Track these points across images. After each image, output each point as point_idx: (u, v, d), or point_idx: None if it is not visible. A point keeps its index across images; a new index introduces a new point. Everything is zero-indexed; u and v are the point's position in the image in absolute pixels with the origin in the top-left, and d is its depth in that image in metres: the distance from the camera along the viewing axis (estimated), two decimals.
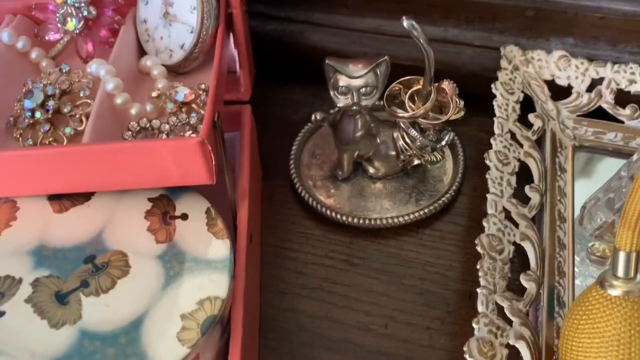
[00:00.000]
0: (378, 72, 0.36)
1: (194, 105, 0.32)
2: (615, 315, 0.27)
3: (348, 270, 0.38)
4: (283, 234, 0.40)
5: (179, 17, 0.34)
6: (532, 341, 0.31)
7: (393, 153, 0.40)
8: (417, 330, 0.35)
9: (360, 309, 0.37)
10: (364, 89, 0.36)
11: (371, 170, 0.42)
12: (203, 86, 0.33)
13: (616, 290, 0.27)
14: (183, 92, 0.32)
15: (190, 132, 0.31)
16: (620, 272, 0.27)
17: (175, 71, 0.35)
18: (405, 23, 0.34)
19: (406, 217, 0.40)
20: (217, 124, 0.29)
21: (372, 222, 0.40)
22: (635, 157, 0.34)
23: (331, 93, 0.37)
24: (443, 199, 0.41)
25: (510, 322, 0.31)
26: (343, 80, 0.36)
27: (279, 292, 0.37)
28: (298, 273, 0.38)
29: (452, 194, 0.41)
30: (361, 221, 0.40)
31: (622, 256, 0.27)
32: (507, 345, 0.31)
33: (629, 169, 0.34)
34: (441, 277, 0.38)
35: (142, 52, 0.36)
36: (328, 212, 0.40)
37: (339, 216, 0.40)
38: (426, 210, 0.40)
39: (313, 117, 0.40)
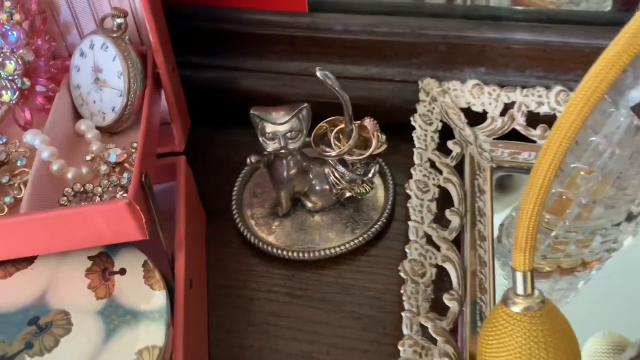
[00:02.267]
0: (300, 117, 0.39)
1: (126, 165, 0.34)
2: (517, 330, 0.29)
3: (291, 303, 0.41)
4: (229, 273, 0.42)
5: (108, 82, 0.36)
6: (456, 356, 0.34)
7: (326, 187, 0.43)
8: (357, 355, 0.38)
9: (303, 339, 0.39)
10: (289, 133, 0.39)
11: (309, 204, 0.45)
12: (135, 144, 0.36)
13: (517, 307, 0.30)
14: (115, 154, 0.34)
15: (122, 192, 0.33)
16: (520, 290, 0.30)
17: (109, 131, 0.38)
18: (319, 74, 0.36)
19: (343, 247, 0.42)
20: (145, 183, 0.31)
21: (312, 254, 0.42)
22: None
23: (260, 139, 0.40)
24: (376, 226, 0.43)
25: (435, 341, 0.34)
26: (269, 127, 0.39)
27: (227, 330, 0.40)
28: (244, 310, 0.41)
29: (385, 220, 0.44)
30: (301, 254, 0.42)
31: (519, 276, 0.30)
32: None
33: None
34: (377, 301, 0.40)
35: (78, 115, 0.39)
36: (270, 249, 0.43)
37: (280, 251, 0.42)
38: (361, 239, 0.43)
39: (248, 160, 0.42)
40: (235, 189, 0.46)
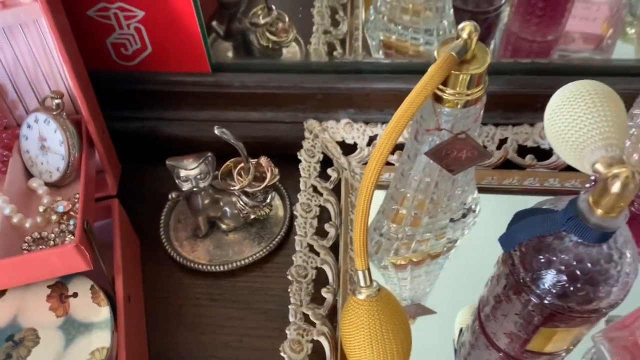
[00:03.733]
0: (206, 162, 0.50)
1: (72, 213, 0.45)
2: (361, 312, 0.42)
3: (212, 306, 0.52)
4: (161, 287, 0.54)
5: (52, 149, 0.47)
6: (330, 335, 0.46)
7: (236, 212, 0.55)
8: (263, 340, 0.50)
9: (222, 332, 0.51)
10: (199, 175, 0.50)
11: (223, 226, 0.56)
12: (77, 195, 0.46)
13: (361, 295, 0.42)
14: (62, 205, 0.45)
15: (70, 235, 0.44)
16: (362, 283, 0.42)
17: (56, 186, 0.48)
18: (217, 131, 0.48)
19: (251, 258, 0.54)
20: (87, 228, 0.42)
21: (227, 266, 0.54)
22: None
23: (176, 181, 0.51)
24: (277, 239, 0.55)
25: (314, 324, 0.46)
26: (182, 172, 0.50)
27: (162, 331, 0.51)
28: (175, 314, 0.52)
29: (283, 234, 0.56)
30: (219, 267, 0.54)
31: (360, 273, 0.42)
32: (313, 341, 0.46)
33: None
34: (279, 298, 0.52)
35: (29, 174, 0.49)
36: (193, 265, 0.54)
37: (201, 266, 0.54)
38: (265, 250, 0.55)
39: (170, 195, 0.54)
40: (162, 217, 0.57)
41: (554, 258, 0.37)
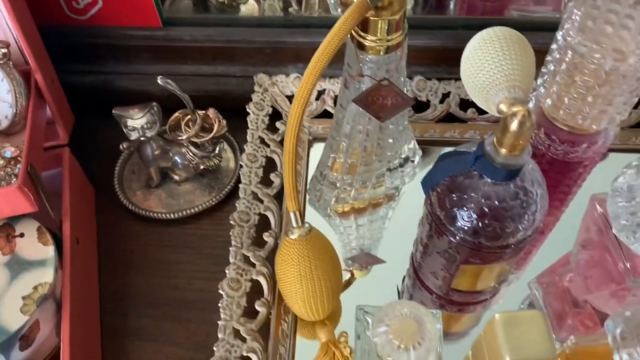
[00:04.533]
0: (152, 112, 0.52)
1: (19, 159, 0.47)
2: (292, 250, 0.44)
3: (162, 251, 0.55)
4: (115, 234, 0.56)
5: (0, 97, 0.48)
6: (269, 275, 0.49)
7: (186, 162, 0.57)
8: (209, 282, 0.52)
9: (171, 275, 0.53)
10: (145, 125, 0.52)
11: (175, 177, 0.58)
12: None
13: (293, 235, 0.44)
14: (9, 151, 0.46)
15: (16, 179, 0.45)
16: (294, 224, 0.45)
17: (6, 133, 0.49)
18: (160, 81, 0.50)
19: (201, 206, 0.56)
20: (31, 171, 0.44)
21: (178, 214, 0.56)
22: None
23: (124, 131, 0.53)
24: (227, 189, 0.57)
25: (254, 265, 0.49)
26: (130, 122, 0.52)
27: (114, 274, 0.53)
28: (127, 259, 0.54)
29: (233, 184, 0.58)
30: (170, 215, 0.56)
31: (292, 215, 0.44)
32: (252, 281, 0.48)
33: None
34: (226, 244, 0.54)
35: None
36: (145, 213, 0.56)
37: (153, 214, 0.56)
38: (215, 199, 0.57)
39: (121, 146, 0.55)
40: (117, 168, 0.59)
41: (465, 196, 0.39)
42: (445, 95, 0.58)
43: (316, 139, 0.59)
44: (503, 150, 0.36)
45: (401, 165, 0.53)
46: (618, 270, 0.41)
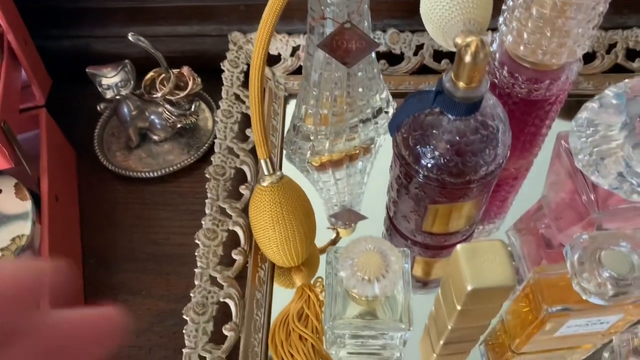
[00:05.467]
0: (125, 70, 0.52)
1: None
2: (264, 197, 0.45)
3: (142, 209, 0.56)
4: (96, 194, 0.57)
5: None
6: (245, 225, 0.50)
7: (163, 122, 0.57)
8: (186, 237, 0.53)
9: (151, 231, 0.54)
10: (120, 82, 0.53)
11: (154, 137, 0.59)
12: None
13: (265, 182, 0.45)
14: None
15: None
16: (265, 172, 0.45)
17: None
18: (131, 38, 0.50)
19: (180, 164, 0.57)
20: (5, 128, 0.45)
21: (157, 172, 0.57)
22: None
23: (99, 89, 0.53)
24: (204, 147, 0.58)
25: (230, 217, 0.50)
26: (104, 80, 0.52)
27: (96, 231, 0.54)
28: (109, 217, 0.55)
29: (211, 142, 0.58)
30: (149, 173, 0.57)
31: (262, 162, 0.45)
32: (228, 231, 0.49)
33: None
34: (205, 199, 0.56)
35: None
36: (126, 172, 0.57)
37: (133, 173, 0.57)
38: (193, 157, 0.58)
39: (98, 107, 0.56)
40: (96, 131, 0.60)
41: (427, 134, 0.40)
42: (419, 47, 0.59)
43: (292, 95, 0.59)
44: (461, 84, 0.36)
45: (374, 117, 0.54)
46: (584, 205, 0.42)
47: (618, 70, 0.58)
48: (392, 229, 0.51)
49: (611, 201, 0.41)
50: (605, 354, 0.47)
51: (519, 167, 0.52)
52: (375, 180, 0.56)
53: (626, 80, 0.40)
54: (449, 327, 0.40)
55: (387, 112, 0.55)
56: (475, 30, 0.35)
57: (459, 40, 0.35)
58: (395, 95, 0.57)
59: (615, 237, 0.36)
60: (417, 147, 0.40)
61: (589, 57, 0.59)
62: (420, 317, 0.45)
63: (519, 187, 0.56)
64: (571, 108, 0.43)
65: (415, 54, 0.58)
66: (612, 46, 0.58)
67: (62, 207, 0.51)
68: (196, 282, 0.46)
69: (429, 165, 0.40)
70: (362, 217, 0.55)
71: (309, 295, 0.46)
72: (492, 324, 0.42)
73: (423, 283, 0.53)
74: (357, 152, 0.56)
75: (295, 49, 0.59)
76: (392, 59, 0.59)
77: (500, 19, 0.42)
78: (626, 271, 0.34)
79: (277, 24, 0.60)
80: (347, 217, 0.55)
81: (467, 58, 0.34)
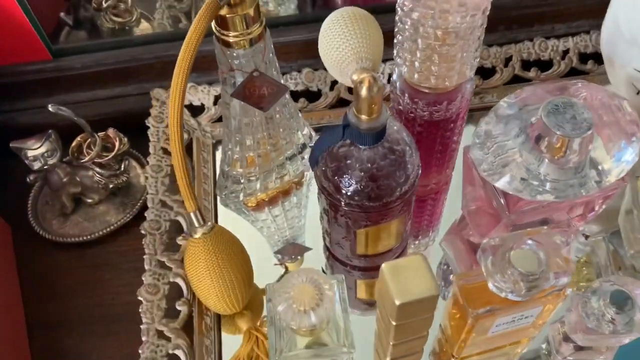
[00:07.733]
0: (50, 140, 0.53)
1: None
2: (198, 249, 0.45)
3: (83, 273, 0.56)
4: (37, 264, 0.57)
5: None
6: (187, 275, 0.51)
7: (95, 185, 0.58)
8: (134, 295, 0.53)
9: (96, 294, 0.55)
10: (46, 153, 0.53)
11: (88, 200, 0.59)
12: None
13: (197, 234, 0.46)
14: None
15: None
16: (196, 224, 0.46)
17: None
18: (52, 109, 0.51)
19: (117, 224, 0.58)
20: None
21: (94, 235, 0.57)
22: None
23: (26, 162, 0.54)
24: (139, 204, 0.59)
25: (171, 269, 0.51)
26: (30, 153, 0.53)
27: (42, 299, 0.54)
28: (51, 286, 0.55)
29: (145, 198, 0.59)
30: (88, 237, 0.57)
31: (192, 215, 0.46)
32: (170, 283, 0.50)
33: None
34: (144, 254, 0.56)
35: None
36: (62, 239, 0.57)
37: (71, 239, 0.57)
38: (129, 215, 0.58)
39: (27, 178, 0.56)
40: (29, 202, 0.60)
41: (342, 164, 0.42)
42: (334, 82, 0.62)
43: (219, 141, 0.61)
44: (363, 117, 0.39)
45: (300, 152, 0.56)
46: (497, 210, 0.45)
47: (517, 80, 0.63)
48: (331, 256, 0.53)
49: (521, 203, 0.44)
50: (543, 345, 0.50)
51: (438, 182, 0.55)
52: (313, 210, 0.58)
53: (517, 90, 0.44)
54: (391, 344, 0.42)
55: (311, 147, 0.58)
56: (369, 67, 0.39)
57: (354, 77, 0.38)
58: (318, 130, 0.60)
59: (521, 237, 0.39)
60: (336, 177, 0.43)
61: (490, 72, 0.63)
62: (370, 337, 0.47)
63: (444, 200, 0.59)
64: (479, 121, 0.47)
65: (332, 89, 0.62)
66: (508, 60, 0.63)
67: (1, 283, 0.50)
68: (143, 338, 0.46)
69: (349, 193, 0.42)
70: (307, 249, 0.57)
71: (256, 337, 0.47)
72: (432, 334, 0.45)
73: (369, 304, 0.55)
74: (290, 187, 0.58)
75: (217, 97, 0.62)
76: (310, 96, 0.62)
77: (394, 52, 0.45)
78: (534, 267, 0.37)
79: (195, 76, 0.63)
80: (292, 251, 0.57)
81: (363, 92, 0.37)
